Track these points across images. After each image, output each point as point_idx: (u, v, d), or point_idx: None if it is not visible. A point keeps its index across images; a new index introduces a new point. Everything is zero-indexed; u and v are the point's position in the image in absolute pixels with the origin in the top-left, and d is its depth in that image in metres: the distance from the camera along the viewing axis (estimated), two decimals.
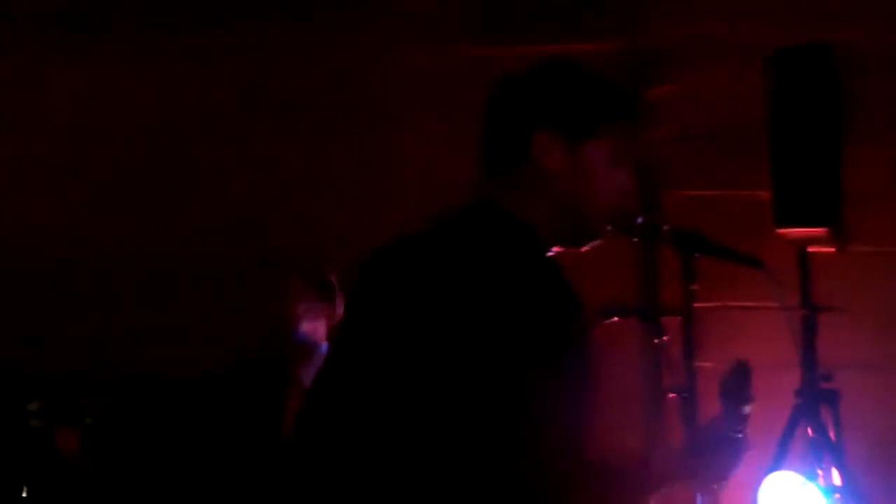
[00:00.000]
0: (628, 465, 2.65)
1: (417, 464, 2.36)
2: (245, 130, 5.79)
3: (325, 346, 4.45)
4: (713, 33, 5.53)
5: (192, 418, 4.83)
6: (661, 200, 5.45)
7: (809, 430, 4.59)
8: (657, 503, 2.65)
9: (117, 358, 5.54)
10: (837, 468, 4.58)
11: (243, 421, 4.51)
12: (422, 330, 2.39)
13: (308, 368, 4.37)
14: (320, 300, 4.48)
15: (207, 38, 5.78)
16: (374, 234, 2.58)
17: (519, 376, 2.34)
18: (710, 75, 5.51)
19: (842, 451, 4.60)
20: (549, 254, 2.58)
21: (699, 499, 2.87)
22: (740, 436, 2.65)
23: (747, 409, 2.68)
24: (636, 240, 2.87)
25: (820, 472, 4.57)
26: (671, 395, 2.99)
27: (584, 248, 2.64)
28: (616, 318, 3.56)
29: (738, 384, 2.67)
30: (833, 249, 4.74)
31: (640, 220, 2.81)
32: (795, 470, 4.60)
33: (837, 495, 4.55)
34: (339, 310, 4.35)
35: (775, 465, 4.64)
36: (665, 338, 3.33)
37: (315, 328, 4.49)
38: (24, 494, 4.95)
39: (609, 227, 2.64)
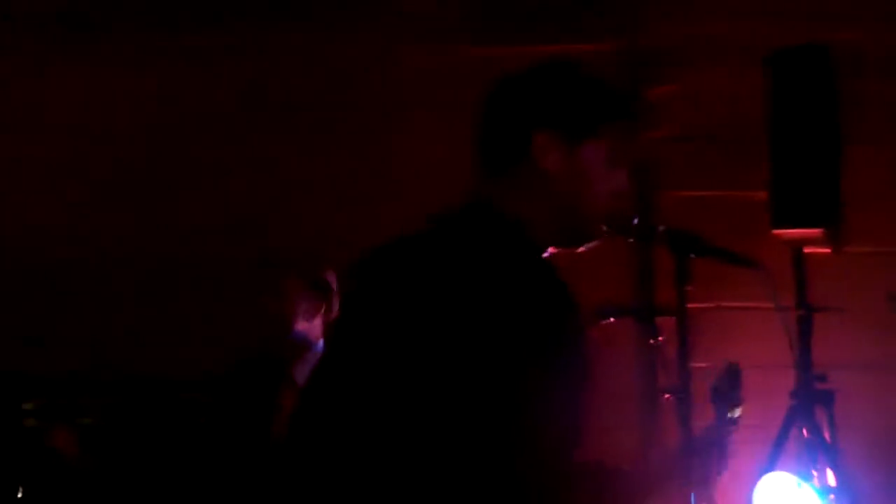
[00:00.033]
0: (623, 467, 2.66)
1: (412, 462, 2.36)
2: (245, 130, 5.80)
3: (320, 344, 4.46)
4: (712, 34, 5.56)
5: (191, 418, 4.84)
6: (658, 201, 5.47)
7: (804, 431, 4.59)
8: None
9: (117, 358, 5.54)
10: (832, 469, 4.59)
11: (237, 418, 4.51)
12: (417, 329, 2.40)
13: (303, 366, 4.38)
14: (317, 299, 4.48)
15: (207, 38, 5.79)
16: (374, 234, 2.58)
17: (514, 376, 2.35)
18: (708, 76, 5.54)
19: (837, 451, 4.61)
20: (546, 254, 2.60)
21: (694, 499, 2.87)
22: (728, 438, 2.66)
23: (738, 411, 2.69)
24: (632, 240, 2.88)
25: (815, 473, 4.58)
26: (666, 395, 3.00)
27: (581, 249, 2.65)
28: (612, 319, 3.57)
29: (728, 386, 2.67)
30: (829, 250, 4.74)
31: (635, 220, 2.82)
32: (790, 471, 4.61)
33: (832, 496, 4.56)
34: (336, 309, 4.35)
35: (770, 466, 4.66)
36: (660, 338, 3.34)
37: (311, 327, 4.50)
38: (19, 495, 4.95)
39: (605, 228, 2.65)
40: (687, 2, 5.62)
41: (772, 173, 4.73)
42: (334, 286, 4.51)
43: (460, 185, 2.62)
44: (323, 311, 4.48)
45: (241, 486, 4.30)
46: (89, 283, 5.72)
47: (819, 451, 4.58)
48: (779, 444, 4.63)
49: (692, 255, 2.95)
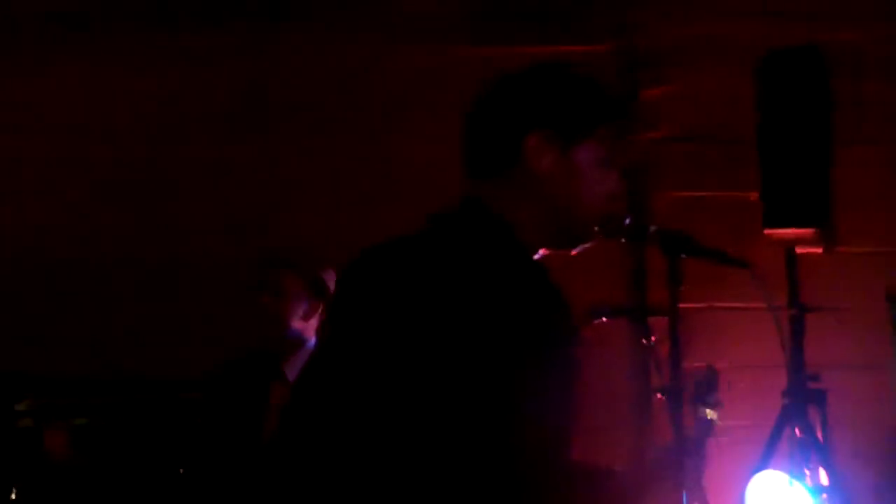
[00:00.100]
0: (615, 467, 2.68)
1: (400, 460, 2.37)
2: (245, 130, 5.83)
3: (312, 342, 4.48)
4: (707, 35, 5.57)
5: (189, 418, 4.85)
6: (652, 201, 5.49)
7: (797, 430, 4.59)
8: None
9: (117, 358, 5.56)
10: (825, 468, 4.60)
11: (227, 416, 4.53)
12: (406, 330, 2.41)
13: (295, 363, 4.41)
14: (316, 299, 4.50)
15: (207, 38, 5.81)
16: (374, 234, 2.60)
17: (501, 376, 2.37)
18: (703, 76, 5.56)
19: (829, 451, 4.61)
20: (538, 256, 2.61)
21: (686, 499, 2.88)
22: (707, 440, 2.68)
23: (715, 413, 2.71)
24: (624, 241, 2.89)
25: (807, 472, 4.58)
26: (658, 395, 3.01)
27: (574, 252, 2.66)
28: (604, 319, 3.58)
29: (706, 389, 2.69)
30: (821, 250, 4.75)
31: (627, 221, 2.83)
32: (783, 470, 4.61)
33: (824, 495, 4.57)
34: None
35: (763, 465, 4.67)
36: (653, 338, 3.35)
37: (306, 325, 4.52)
38: (13, 496, 4.96)
39: (597, 229, 2.67)
40: (683, 3, 5.64)
41: (763, 174, 4.72)
42: (330, 286, 4.52)
43: (460, 185, 2.64)
44: (321, 310, 4.50)
45: (233, 484, 4.32)
46: (89, 283, 5.74)
47: (811, 451, 4.58)
48: (771, 444, 4.62)
49: (684, 256, 2.95)
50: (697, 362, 2.95)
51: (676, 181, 5.56)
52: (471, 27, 5.77)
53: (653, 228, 2.94)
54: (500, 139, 2.59)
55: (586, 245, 2.67)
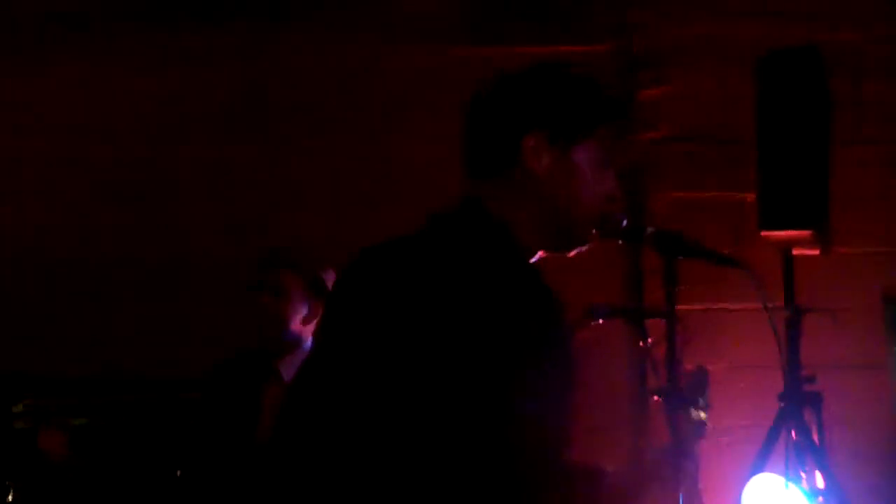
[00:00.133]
0: (611, 468, 2.69)
1: (396, 461, 2.38)
2: (245, 130, 5.84)
3: (308, 343, 4.48)
4: (705, 35, 5.57)
5: (188, 418, 4.85)
6: (649, 202, 5.49)
7: (793, 433, 4.59)
8: None
9: (117, 358, 5.57)
10: (821, 471, 4.59)
11: (221, 416, 4.54)
12: (400, 331, 2.42)
13: (289, 364, 4.41)
14: (313, 298, 4.51)
15: (207, 38, 5.82)
16: (374, 234, 2.60)
17: (497, 378, 2.37)
18: (701, 77, 5.56)
19: (825, 453, 4.61)
20: (536, 258, 2.61)
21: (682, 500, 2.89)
22: (697, 441, 2.69)
23: (704, 415, 2.71)
24: (621, 242, 2.89)
25: (803, 475, 4.58)
26: (655, 396, 3.01)
27: (571, 254, 2.67)
28: (601, 320, 3.58)
29: (697, 390, 2.70)
30: (817, 251, 4.75)
31: (624, 222, 2.83)
32: (779, 472, 4.61)
33: (821, 498, 4.57)
34: None
35: (759, 468, 4.67)
36: (650, 340, 3.35)
37: (305, 325, 4.52)
38: (10, 497, 4.96)
39: (595, 230, 2.67)
40: (683, 3, 5.64)
41: (760, 175, 4.71)
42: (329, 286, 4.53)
43: (460, 185, 2.65)
44: (318, 310, 4.51)
45: (229, 485, 4.33)
46: (89, 283, 5.75)
47: (808, 453, 4.57)
48: (767, 446, 4.62)
49: (681, 257, 2.95)
50: (694, 363, 2.96)
51: (674, 182, 5.56)
52: (471, 27, 5.78)
53: (650, 229, 2.92)
54: (498, 139, 2.59)
55: (583, 248, 2.67)
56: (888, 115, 5.51)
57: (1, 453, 5.07)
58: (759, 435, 4.67)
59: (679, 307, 2.97)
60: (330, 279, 4.49)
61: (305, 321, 4.50)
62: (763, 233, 4.73)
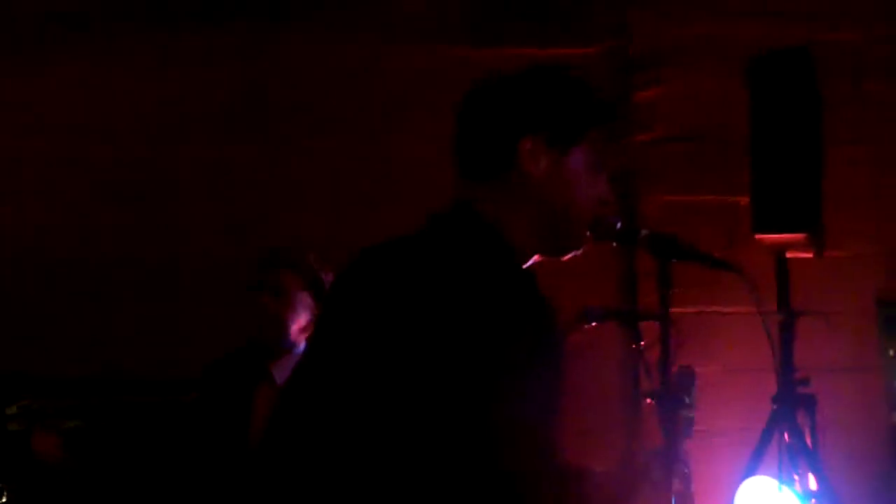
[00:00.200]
0: (602, 470, 2.70)
1: (387, 465, 2.40)
2: (245, 130, 5.85)
3: (301, 346, 4.50)
4: (704, 35, 5.58)
5: (180, 419, 4.86)
6: (643, 205, 5.50)
7: (786, 435, 4.59)
8: None
9: (116, 358, 5.58)
10: (814, 473, 4.59)
11: (214, 416, 4.55)
12: (392, 335, 2.42)
13: (282, 366, 4.42)
14: (313, 298, 4.53)
15: (207, 38, 5.82)
16: (374, 234, 2.61)
17: (486, 382, 2.39)
18: (695, 78, 5.56)
19: (818, 456, 4.61)
20: (530, 263, 2.63)
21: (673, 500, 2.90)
22: (683, 441, 2.70)
23: (690, 414, 2.73)
24: (614, 245, 2.90)
25: (796, 478, 4.58)
26: (648, 399, 3.02)
27: (566, 258, 2.68)
28: (594, 323, 3.59)
29: (682, 390, 2.71)
30: (811, 254, 4.76)
31: (618, 225, 2.84)
32: (772, 475, 4.62)
33: (813, 501, 4.57)
34: None
35: (751, 470, 4.68)
36: (643, 342, 3.36)
37: (303, 326, 4.53)
38: (3, 499, 4.97)
39: (588, 233, 2.68)
40: (681, 3, 5.65)
41: (753, 178, 4.70)
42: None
43: (452, 187, 2.66)
44: (317, 311, 4.52)
45: (220, 486, 4.34)
46: (89, 283, 5.76)
47: (801, 456, 4.57)
48: (760, 448, 4.63)
49: (675, 260, 2.96)
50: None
51: (668, 184, 5.57)
52: (470, 27, 5.79)
53: (644, 232, 2.92)
54: (494, 143, 2.61)
55: (577, 252, 2.68)
56: (887, 115, 5.52)
57: None
58: (752, 437, 4.67)
59: (673, 310, 2.98)
60: (329, 280, 4.51)
61: (300, 319, 4.52)
62: (757, 236, 4.73)
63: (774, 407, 4.64)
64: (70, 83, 5.86)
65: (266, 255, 4.65)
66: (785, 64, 4.71)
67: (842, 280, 5.34)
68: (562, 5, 5.79)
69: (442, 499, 2.39)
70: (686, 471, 2.77)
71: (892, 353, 5.32)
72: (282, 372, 4.39)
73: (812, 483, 4.59)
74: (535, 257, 2.64)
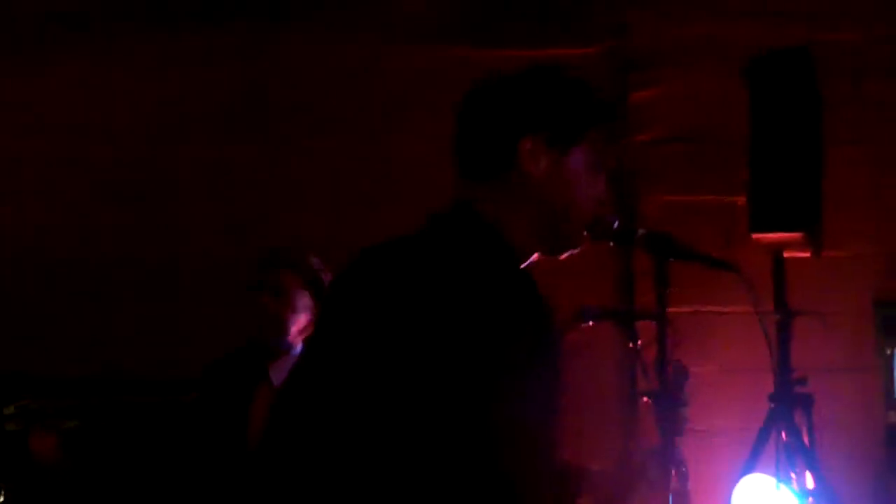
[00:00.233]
0: (598, 469, 2.71)
1: (386, 466, 2.39)
2: (245, 130, 5.86)
3: (299, 347, 4.51)
4: (697, 37, 5.59)
5: (179, 420, 4.87)
6: (640, 204, 5.51)
7: (783, 434, 4.60)
8: None
9: (116, 358, 5.59)
10: (811, 472, 4.59)
11: (212, 417, 4.55)
12: (391, 336, 2.42)
13: (281, 366, 4.43)
14: (313, 299, 4.53)
15: (207, 38, 5.83)
16: (374, 234, 2.61)
17: (485, 383, 2.39)
18: (697, 78, 5.56)
19: (815, 454, 4.62)
20: (530, 262, 2.63)
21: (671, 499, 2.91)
22: (677, 437, 2.71)
23: (684, 411, 2.74)
24: (612, 244, 2.91)
25: (793, 476, 4.59)
26: (645, 398, 3.03)
27: (563, 257, 2.69)
28: (591, 322, 3.60)
29: (675, 387, 2.72)
30: (808, 254, 4.76)
31: (615, 224, 2.85)
32: (769, 473, 4.62)
33: (811, 499, 4.57)
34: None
35: (749, 469, 4.68)
36: (640, 342, 3.37)
37: (302, 327, 4.54)
38: (1, 500, 4.97)
39: (585, 233, 2.69)
40: (675, 4, 5.66)
41: (751, 177, 4.69)
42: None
43: (452, 187, 2.66)
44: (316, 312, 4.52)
45: (219, 487, 4.34)
46: (89, 283, 5.77)
47: (798, 454, 4.58)
48: (758, 447, 4.63)
49: (672, 259, 2.97)
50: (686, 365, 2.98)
51: (666, 184, 5.58)
52: (470, 28, 5.80)
53: (641, 232, 2.94)
54: (494, 142, 2.60)
55: (575, 251, 2.69)
56: (887, 115, 5.52)
57: None
58: (749, 437, 4.68)
59: (669, 309, 2.99)
60: (329, 279, 4.51)
61: (300, 320, 4.53)
62: (754, 235, 4.74)
63: (772, 406, 4.65)
64: (70, 83, 5.88)
65: (266, 255, 4.65)
66: (784, 64, 4.71)
67: (839, 280, 5.35)
68: (562, 5, 5.80)
69: (442, 499, 2.40)
70: (683, 469, 2.78)
71: (889, 352, 5.34)
72: (279, 373, 4.39)
73: (809, 481, 4.59)
74: (534, 257, 2.64)
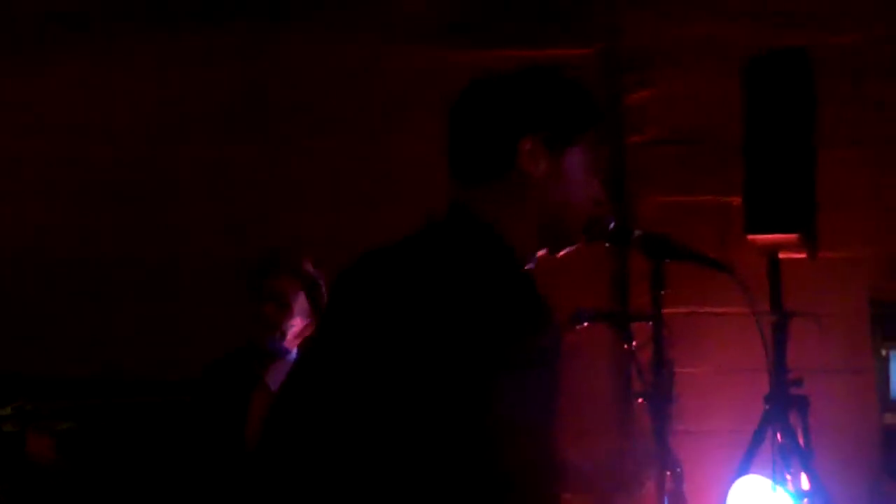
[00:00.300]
0: (592, 467, 2.72)
1: (381, 469, 2.39)
2: (245, 130, 5.87)
3: (294, 352, 4.52)
4: (692, 37, 5.59)
5: (176, 421, 4.87)
6: (636, 206, 5.51)
7: (779, 435, 4.60)
8: None
9: (116, 358, 5.60)
10: (806, 473, 4.59)
11: (209, 420, 4.56)
12: (389, 340, 2.42)
13: (276, 372, 4.43)
14: (309, 303, 4.54)
15: (207, 38, 5.85)
16: (374, 234, 2.62)
17: (483, 385, 2.39)
18: (688, 79, 5.57)
19: (811, 456, 4.62)
20: (531, 263, 2.64)
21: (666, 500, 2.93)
22: (666, 435, 2.73)
23: (671, 408, 2.76)
24: (607, 245, 2.92)
25: (789, 477, 4.58)
26: (640, 399, 3.04)
27: (560, 254, 2.70)
28: (587, 323, 3.61)
29: (664, 385, 2.74)
30: (804, 255, 4.76)
31: (611, 225, 2.85)
32: (765, 474, 4.63)
33: (806, 500, 4.58)
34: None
35: (744, 470, 4.68)
36: (635, 343, 3.38)
37: (299, 331, 4.55)
38: None
39: (583, 233, 2.70)
40: (673, 4, 5.66)
41: (746, 178, 4.68)
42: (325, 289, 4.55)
43: (447, 190, 2.68)
44: (315, 315, 4.53)
45: (216, 489, 4.35)
46: (89, 283, 5.78)
47: (793, 455, 4.58)
48: (753, 448, 4.63)
49: (667, 260, 2.98)
50: (680, 367, 2.99)
51: (662, 185, 5.57)
52: (470, 28, 5.80)
53: (637, 232, 2.94)
54: (494, 143, 2.60)
55: (570, 249, 2.70)
56: (887, 115, 5.52)
57: None
58: (744, 438, 4.67)
59: (665, 310, 3.00)
60: (324, 283, 4.53)
61: (298, 322, 4.53)
62: (749, 236, 4.73)
63: (767, 407, 4.64)
64: (70, 83, 5.90)
65: (265, 259, 4.65)
66: (782, 64, 4.71)
67: (835, 281, 5.34)
68: (561, 6, 5.80)
69: (442, 499, 2.41)
70: (678, 470, 2.79)
71: (884, 354, 5.35)
72: (276, 376, 4.39)
73: (804, 482, 4.60)
74: (539, 254, 2.65)
